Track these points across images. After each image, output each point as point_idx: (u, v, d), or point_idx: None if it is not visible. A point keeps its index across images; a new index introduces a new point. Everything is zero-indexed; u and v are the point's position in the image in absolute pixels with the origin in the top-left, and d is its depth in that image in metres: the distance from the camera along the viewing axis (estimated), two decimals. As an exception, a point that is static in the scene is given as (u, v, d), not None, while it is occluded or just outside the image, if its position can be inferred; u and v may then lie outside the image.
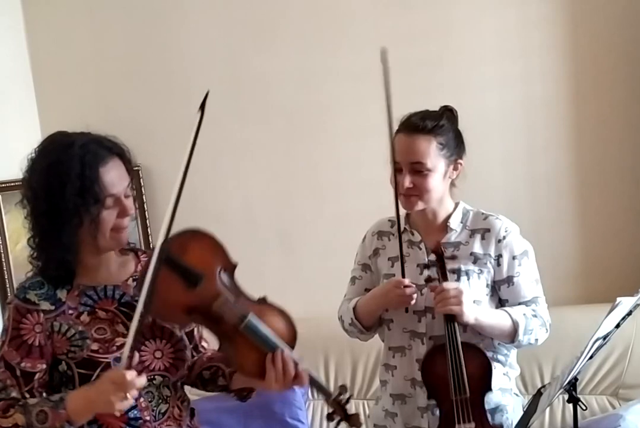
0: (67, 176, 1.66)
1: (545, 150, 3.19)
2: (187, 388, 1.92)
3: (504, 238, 2.11)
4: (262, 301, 1.77)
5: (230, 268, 1.76)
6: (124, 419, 1.73)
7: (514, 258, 2.11)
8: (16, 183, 3.12)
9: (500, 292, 2.13)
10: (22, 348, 1.71)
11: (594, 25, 3.11)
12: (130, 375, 1.54)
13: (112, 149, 1.73)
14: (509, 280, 2.11)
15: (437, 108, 2.17)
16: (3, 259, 3.04)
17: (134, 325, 1.55)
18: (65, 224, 1.68)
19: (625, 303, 1.85)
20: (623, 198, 3.18)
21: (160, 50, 3.36)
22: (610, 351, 2.89)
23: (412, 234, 2.18)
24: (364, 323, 2.18)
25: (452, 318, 2.01)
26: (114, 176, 1.70)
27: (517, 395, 2.23)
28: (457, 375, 2.01)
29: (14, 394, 1.69)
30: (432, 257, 2.07)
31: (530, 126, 3.20)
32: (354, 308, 2.19)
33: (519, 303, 2.11)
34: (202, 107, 1.62)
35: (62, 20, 3.39)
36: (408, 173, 2.07)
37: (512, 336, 2.07)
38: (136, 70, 3.38)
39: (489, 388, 2.06)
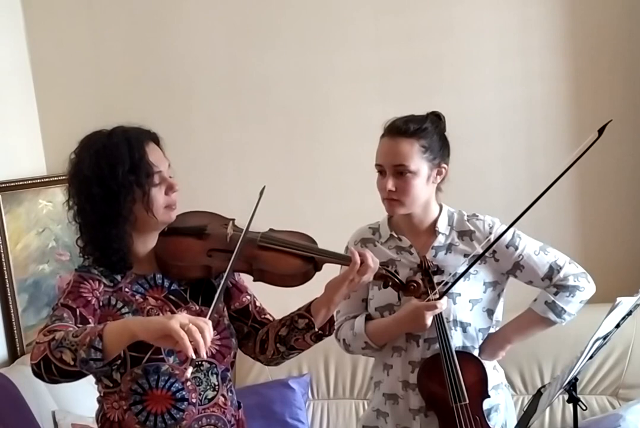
0: (116, 157, 1.74)
1: (545, 150, 3.19)
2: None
3: (490, 234, 2.12)
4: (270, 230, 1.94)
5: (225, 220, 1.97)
6: (170, 400, 1.76)
7: (507, 246, 2.12)
8: (17, 183, 3.12)
9: (519, 278, 2.15)
10: (79, 300, 1.73)
11: (594, 25, 3.12)
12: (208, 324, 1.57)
13: (148, 134, 1.84)
14: (517, 266, 2.12)
15: (436, 109, 2.17)
16: (3, 260, 3.02)
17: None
18: (121, 203, 1.74)
19: (625, 303, 1.85)
20: (623, 198, 3.19)
21: (160, 51, 3.36)
22: (610, 351, 2.90)
23: (400, 239, 2.16)
24: (380, 344, 2.17)
25: (442, 327, 2.04)
26: (156, 156, 1.80)
27: (506, 386, 2.25)
28: (454, 382, 2.03)
29: (70, 323, 1.67)
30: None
31: (530, 126, 3.21)
32: (366, 332, 2.15)
33: (542, 279, 2.11)
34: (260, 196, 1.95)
35: (62, 20, 3.38)
36: (391, 176, 2.06)
37: (552, 324, 2.13)
38: (136, 70, 3.38)
39: (486, 394, 2.08)
